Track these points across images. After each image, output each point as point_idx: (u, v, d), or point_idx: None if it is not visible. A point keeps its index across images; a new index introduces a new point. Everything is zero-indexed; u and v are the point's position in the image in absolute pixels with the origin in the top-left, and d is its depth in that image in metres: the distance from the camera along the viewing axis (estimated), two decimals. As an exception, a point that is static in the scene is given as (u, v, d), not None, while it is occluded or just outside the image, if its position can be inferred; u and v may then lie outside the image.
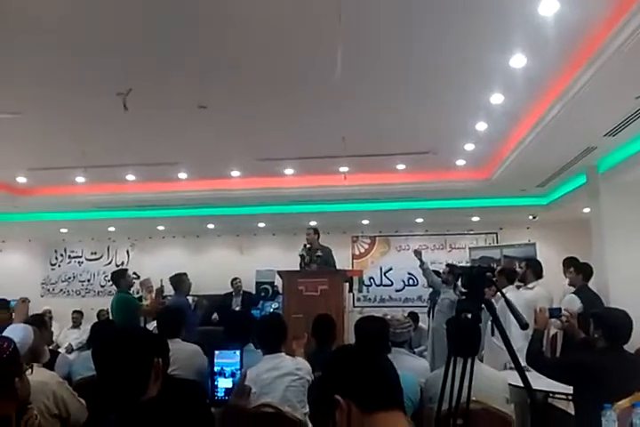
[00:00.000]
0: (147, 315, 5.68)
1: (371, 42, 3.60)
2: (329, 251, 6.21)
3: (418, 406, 2.74)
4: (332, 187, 7.03)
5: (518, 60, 3.70)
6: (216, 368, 1.37)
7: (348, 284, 6.29)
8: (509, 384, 2.90)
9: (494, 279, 2.91)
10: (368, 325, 2.99)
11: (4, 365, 1.59)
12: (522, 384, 1.70)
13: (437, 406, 1.98)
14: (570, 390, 3.02)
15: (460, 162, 6.38)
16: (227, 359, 1.40)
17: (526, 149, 5.30)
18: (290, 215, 8.24)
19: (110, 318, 5.94)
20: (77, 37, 3.47)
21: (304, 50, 3.71)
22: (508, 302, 1.82)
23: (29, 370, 1.84)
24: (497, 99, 4.39)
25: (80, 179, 6.50)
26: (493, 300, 3.13)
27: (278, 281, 7.09)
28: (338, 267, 6.30)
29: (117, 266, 9.57)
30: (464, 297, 1.82)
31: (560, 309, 3.70)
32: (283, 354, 2.89)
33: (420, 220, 9.00)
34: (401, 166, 6.63)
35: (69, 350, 7.44)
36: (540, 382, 3.07)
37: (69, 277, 10.16)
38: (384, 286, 9.40)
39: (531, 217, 8.60)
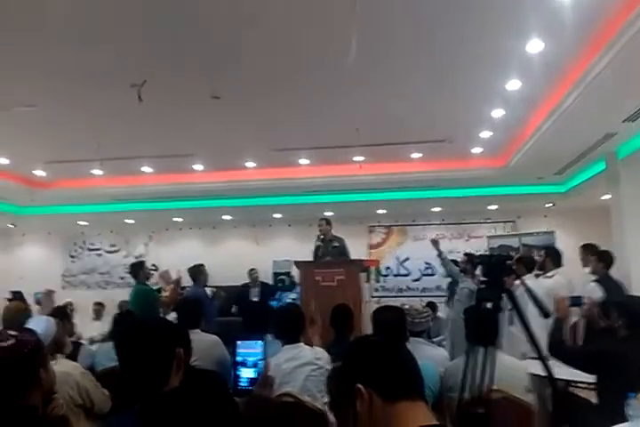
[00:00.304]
0: (165, 306, 5.74)
1: (385, 29, 3.55)
2: (343, 241, 6.19)
3: (438, 395, 2.74)
4: (347, 176, 7.01)
5: (535, 45, 3.64)
6: (238, 358, 1.37)
7: (364, 274, 6.27)
8: (530, 373, 2.89)
9: (514, 267, 2.88)
10: (385, 314, 2.98)
11: (29, 356, 1.61)
12: (542, 373, 1.68)
13: (459, 395, 1.98)
14: (591, 378, 2.99)
15: (477, 150, 6.31)
16: (249, 349, 1.40)
17: (544, 136, 5.23)
18: (305, 206, 8.24)
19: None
20: (91, 30, 3.47)
21: (318, 39, 3.68)
22: (529, 290, 1.80)
23: (54, 361, 1.86)
24: (513, 85, 4.32)
25: (97, 171, 6.55)
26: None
27: (295, 271, 7.11)
28: (354, 257, 6.28)
29: (136, 258, 9.66)
30: (484, 286, 1.81)
31: (581, 297, 3.67)
32: (302, 344, 2.90)
33: (436, 209, 8.94)
34: (416, 155, 6.58)
35: (91, 341, 7.54)
36: (560, 370, 3.04)
37: (89, 270, 10.29)
38: (401, 275, 9.39)
39: (549, 205, 8.50)
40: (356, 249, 8.20)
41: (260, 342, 1.32)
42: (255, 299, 8.27)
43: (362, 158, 6.18)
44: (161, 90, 4.32)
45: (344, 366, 1.27)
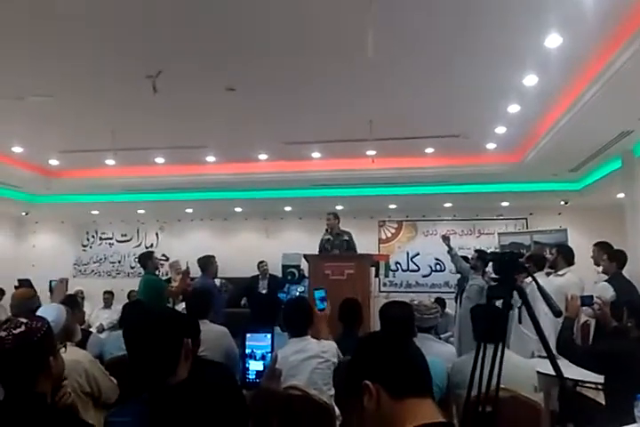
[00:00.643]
0: (173, 296, 5.77)
1: (402, 22, 3.51)
2: (351, 235, 6.22)
3: (445, 391, 2.73)
4: (359, 171, 6.99)
5: (554, 40, 3.59)
6: (246, 351, 1.37)
7: (374, 268, 6.27)
8: (538, 372, 2.87)
9: (527, 265, 2.85)
10: (393, 310, 2.97)
11: (39, 343, 1.63)
12: (550, 372, 1.67)
13: (467, 393, 1.97)
14: (599, 378, 2.97)
15: (491, 145, 6.25)
16: (257, 342, 1.40)
17: (560, 133, 5.17)
18: (316, 199, 8.23)
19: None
20: (107, 20, 3.47)
21: (334, 32, 3.65)
22: (540, 288, 1.78)
23: (63, 349, 1.87)
24: (530, 80, 4.27)
25: (110, 161, 6.59)
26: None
27: (304, 264, 7.12)
28: (364, 251, 6.28)
29: (147, 248, 9.73)
30: (495, 283, 1.79)
31: (592, 296, 3.63)
32: (309, 337, 2.91)
33: (448, 204, 8.89)
34: (430, 150, 6.54)
35: (100, 329, 7.62)
36: (569, 370, 3.02)
37: (100, 259, 10.38)
38: (411, 271, 9.36)
39: (562, 202, 8.42)
40: (366, 244, 8.21)
41: (269, 334, 1.32)
42: (263, 291, 8.30)
43: (374, 152, 6.15)
44: (176, 81, 4.33)
45: (352, 362, 1.27)
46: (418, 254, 9.36)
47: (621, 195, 6.22)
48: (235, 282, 8.87)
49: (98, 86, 4.56)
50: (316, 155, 6.81)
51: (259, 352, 1.37)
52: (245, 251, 9.30)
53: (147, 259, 5.67)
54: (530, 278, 3.51)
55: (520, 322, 4.42)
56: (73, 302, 3.64)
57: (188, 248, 8.34)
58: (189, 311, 3.62)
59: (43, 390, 1.63)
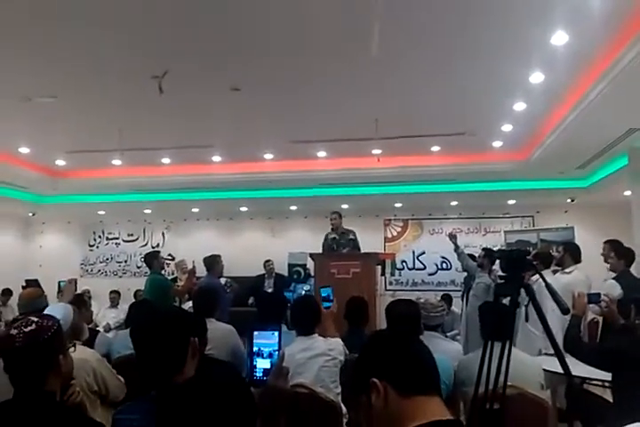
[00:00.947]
0: (179, 295, 5.79)
1: (407, 20, 3.51)
2: (355, 234, 6.24)
3: (452, 389, 2.73)
4: (364, 169, 6.98)
5: (560, 38, 3.57)
6: (254, 349, 1.38)
7: (380, 267, 6.27)
8: (544, 370, 2.86)
9: (535, 263, 2.85)
10: (399, 308, 2.97)
11: (49, 342, 1.64)
12: (557, 370, 1.67)
13: (474, 390, 1.96)
14: (606, 376, 2.96)
15: (497, 143, 6.23)
16: (264, 340, 1.41)
17: (566, 130, 5.15)
18: (322, 198, 8.23)
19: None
20: (112, 21, 3.48)
21: (339, 30, 3.64)
22: (548, 285, 1.77)
23: (72, 348, 1.89)
24: (537, 78, 4.25)
25: (117, 162, 6.61)
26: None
27: (310, 263, 7.13)
28: (370, 250, 6.29)
29: (153, 248, 9.76)
30: (502, 281, 1.79)
31: (599, 294, 3.61)
32: (316, 335, 2.91)
33: (454, 203, 8.88)
34: (436, 148, 6.53)
35: (107, 329, 7.66)
36: (576, 368, 3.01)
37: (107, 259, 10.42)
38: (416, 269, 9.35)
39: (569, 200, 8.38)
40: (372, 242, 8.22)
41: (276, 332, 1.32)
42: (269, 290, 8.31)
43: (380, 151, 6.15)
44: (181, 81, 4.33)
45: (360, 360, 1.27)
46: (424, 253, 9.34)
47: (628, 192, 6.19)
48: (241, 281, 8.89)
49: (103, 86, 4.57)
50: (321, 154, 6.81)
51: (266, 350, 1.38)
52: (251, 250, 9.31)
53: (152, 258, 5.69)
54: (536, 276, 3.50)
55: (527, 320, 4.41)
56: (80, 302, 3.66)
57: (194, 248, 8.35)
58: (196, 310, 3.63)
59: (52, 389, 1.65)
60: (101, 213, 9.76)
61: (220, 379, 1.09)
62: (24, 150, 6.47)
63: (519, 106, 4.93)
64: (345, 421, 2.72)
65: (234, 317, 4.86)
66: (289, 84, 4.56)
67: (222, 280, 6.60)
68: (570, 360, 2.86)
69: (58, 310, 2.59)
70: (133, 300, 7.53)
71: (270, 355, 1.37)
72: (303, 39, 3.79)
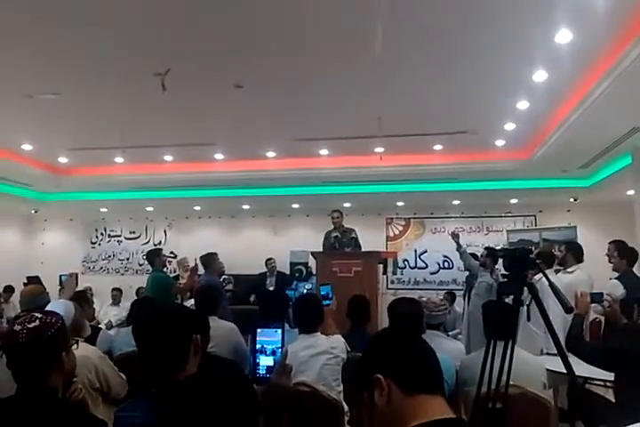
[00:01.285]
0: (181, 293, 5.79)
1: (410, 18, 3.50)
2: (356, 232, 6.25)
3: (454, 388, 2.73)
4: (367, 168, 6.97)
5: (564, 36, 3.56)
6: (257, 346, 1.38)
7: (382, 266, 6.27)
8: (547, 369, 2.86)
9: (538, 261, 2.84)
10: (402, 306, 2.97)
11: (52, 338, 1.64)
12: (559, 369, 1.66)
13: (477, 389, 1.96)
14: (608, 376, 2.96)
15: (500, 142, 6.22)
16: (267, 337, 1.40)
17: (569, 129, 5.13)
18: (324, 196, 8.22)
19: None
20: (115, 18, 3.48)
21: (342, 29, 3.63)
22: (551, 284, 1.77)
23: (75, 345, 1.89)
24: (540, 76, 4.24)
25: (119, 159, 6.61)
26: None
27: (312, 262, 7.13)
28: (372, 249, 6.29)
29: (155, 245, 9.77)
30: (505, 280, 1.78)
31: (602, 293, 3.61)
32: (318, 333, 2.91)
33: (456, 202, 8.87)
34: (438, 147, 6.52)
35: (109, 326, 7.67)
36: (577, 367, 3.01)
37: (109, 256, 10.43)
38: (418, 268, 9.34)
39: (572, 199, 8.36)
40: (374, 241, 8.21)
41: (279, 330, 1.32)
42: (271, 288, 8.32)
43: (382, 150, 6.14)
44: (183, 79, 4.33)
45: (365, 356, 1.27)
46: (426, 252, 9.34)
47: (631, 192, 6.17)
48: (242, 279, 8.91)
49: (106, 84, 4.56)
50: (323, 152, 6.80)
51: (269, 348, 1.37)
52: (253, 248, 9.32)
53: (154, 256, 5.70)
54: (539, 275, 3.50)
55: (529, 319, 4.40)
56: (83, 299, 3.67)
57: (196, 245, 8.35)
58: (198, 308, 3.63)
59: (54, 386, 1.65)
60: (104, 210, 9.77)
61: (223, 376, 1.09)
62: (27, 147, 6.48)
63: (522, 104, 4.92)
64: (347, 419, 2.72)
65: (236, 315, 4.86)
66: (291, 83, 4.56)
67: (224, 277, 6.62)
68: (571, 360, 2.86)
69: (59, 306, 2.59)
70: (135, 297, 7.53)
71: (273, 352, 1.37)
72: (307, 38, 3.78)
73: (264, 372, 1.35)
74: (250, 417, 1.07)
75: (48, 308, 2.50)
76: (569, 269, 4.80)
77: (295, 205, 9.36)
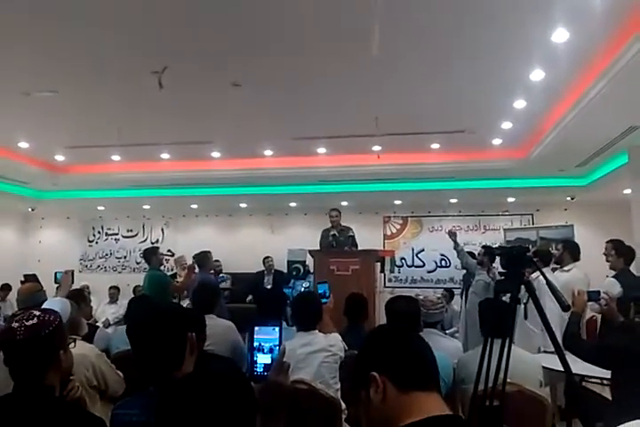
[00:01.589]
0: (178, 291, 5.78)
1: (406, 19, 3.49)
2: (353, 231, 6.26)
3: (451, 386, 2.74)
4: (364, 166, 6.98)
5: (560, 35, 3.56)
6: (254, 344, 1.38)
7: (379, 264, 6.28)
8: (543, 367, 2.87)
9: (535, 260, 2.84)
10: (399, 304, 2.98)
11: (50, 337, 1.63)
12: (556, 367, 1.67)
13: (474, 387, 1.97)
14: (605, 374, 2.97)
15: (497, 141, 6.23)
16: (265, 335, 1.41)
17: (566, 128, 5.14)
18: (321, 195, 8.23)
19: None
20: (112, 18, 3.47)
21: (339, 27, 3.63)
22: (549, 282, 1.77)
23: (72, 343, 1.89)
24: (537, 75, 4.24)
25: (116, 157, 6.60)
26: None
27: (309, 260, 7.13)
28: (369, 247, 6.30)
29: (152, 243, 9.76)
30: (503, 278, 1.79)
31: (599, 292, 3.62)
32: (316, 331, 2.91)
33: (454, 200, 8.88)
34: (435, 146, 6.52)
35: (106, 324, 7.66)
36: (574, 365, 3.02)
37: (106, 254, 10.42)
38: (416, 266, 9.36)
39: (569, 198, 8.38)
40: (372, 239, 8.23)
41: (277, 327, 1.33)
42: (268, 287, 8.32)
43: (380, 148, 6.14)
44: (181, 77, 4.32)
45: (360, 354, 1.27)
46: (423, 250, 9.35)
47: (628, 190, 6.19)
48: (240, 277, 8.92)
49: (103, 82, 4.55)
50: (321, 150, 6.80)
51: (267, 345, 1.38)
52: (250, 247, 9.32)
53: (151, 254, 5.69)
54: (536, 274, 3.51)
55: (526, 318, 4.41)
56: (80, 297, 3.66)
57: (194, 244, 8.33)
58: (195, 306, 3.63)
59: (51, 384, 1.65)
60: (101, 208, 9.75)
61: (220, 374, 1.09)
62: (24, 145, 6.46)
63: (519, 103, 4.92)
64: (344, 417, 2.73)
65: (233, 313, 4.86)
66: (289, 82, 4.55)
67: (220, 275, 6.61)
68: (568, 358, 2.87)
69: (55, 304, 2.59)
70: (132, 295, 7.53)
71: (271, 350, 1.37)
72: (304, 37, 3.77)
73: (262, 370, 1.35)
74: (247, 415, 1.07)
75: (45, 306, 2.49)
76: (565, 268, 4.82)
77: (293, 204, 9.36)
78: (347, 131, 5.90)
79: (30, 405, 1.55)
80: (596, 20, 3.36)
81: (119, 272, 10.24)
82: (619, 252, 4.61)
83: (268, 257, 8.73)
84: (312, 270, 6.89)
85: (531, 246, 6.95)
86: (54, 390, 1.66)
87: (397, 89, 4.71)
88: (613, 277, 4.50)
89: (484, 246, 6.33)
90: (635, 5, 3.20)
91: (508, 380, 2.05)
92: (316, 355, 2.75)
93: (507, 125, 5.62)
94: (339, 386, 2.80)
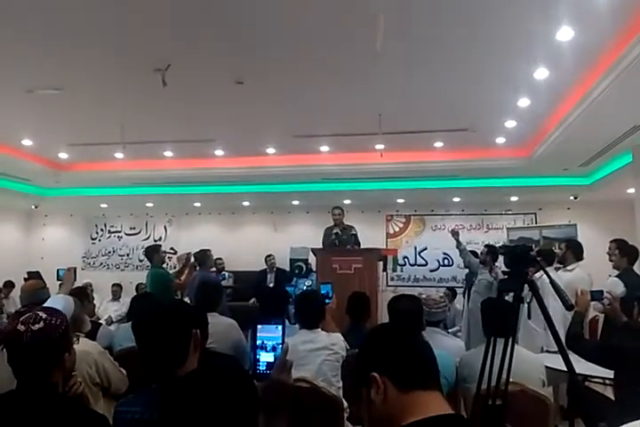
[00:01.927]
0: (180, 289, 5.79)
1: (411, 14, 3.48)
2: (355, 229, 6.26)
3: (453, 385, 2.73)
4: (367, 165, 6.97)
5: (565, 33, 3.54)
6: (257, 342, 1.38)
7: (382, 263, 6.27)
8: (546, 367, 2.86)
9: (539, 259, 2.84)
10: (402, 303, 2.97)
11: (57, 341, 1.63)
12: (559, 367, 1.66)
13: (477, 387, 1.96)
14: (608, 373, 2.96)
15: (501, 139, 6.22)
16: (268, 333, 1.40)
17: (570, 127, 5.12)
18: (324, 193, 8.22)
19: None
20: (116, 14, 3.46)
21: (342, 25, 3.62)
22: (552, 281, 1.77)
23: (75, 340, 1.89)
24: (541, 74, 4.23)
25: (119, 155, 6.60)
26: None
27: (312, 258, 7.13)
28: (372, 246, 6.30)
29: (155, 241, 9.77)
30: (506, 277, 1.78)
31: (602, 291, 3.61)
32: (319, 329, 2.91)
33: (456, 199, 8.86)
34: (439, 144, 6.51)
35: (109, 322, 7.68)
36: (577, 365, 3.01)
37: (109, 252, 10.44)
38: (418, 265, 9.35)
39: (572, 197, 8.35)
40: (374, 238, 8.22)
41: (280, 326, 1.32)
42: (271, 285, 8.33)
43: (383, 147, 6.13)
44: (184, 75, 4.32)
45: (360, 354, 1.27)
46: (426, 249, 9.34)
47: (632, 190, 6.17)
48: (242, 276, 8.93)
49: (106, 80, 4.55)
50: (324, 148, 6.79)
51: (269, 344, 1.37)
52: (253, 245, 9.33)
53: (153, 252, 5.69)
54: (539, 274, 3.50)
55: (529, 317, 4.41)
56: (83, 294, 3.67)
57: (196, 242, 8.33)
58: (198, 303, 3.63)
59: (55, 381, 1.65)
60: (104, 206, 9.77)
61: (223, 372, 1.09)
62: (27, 143, 6.47)
63: (523, 102, 4.91)
64: (346, 415, 2.73)
65: (236, 312, 4.86)
66: (291, 80, 4.54)
67: (222, 273, 6.61)
68: (571, 357, 2.86)
69: (58, 301, 2.58)
70: (135, 293, 7.55)
71: (274, 348, 1.37)
72: (307, 34, 3.76)
73: (264, 368, 1.35)
74: (250, 413, 1.07)
75: (48, 303, 2.49)
76: (569, 267, 4.80)
77: (295, 202, 9.36)
78: (349, 129, 5.89)
79: (34, 402, 1.55)
80: (600, 19, 3.35)
81: (122, 270, 10.26)
82: (622, 251, 4.59)
83: (270, 255, 8.73)
84: (314, 269, 6.90)
85: (534, 246, 6.94)
86: (57, 387, 1.66)
87: (400, 87, 4.70)
88: (617, 276, 4.49)
89: (486, 245, 6.32)
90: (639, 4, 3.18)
91: (511, 379, 2.05)
92: (318, 353, 2.75)
93: (510, 124, 5.61)
94: (341, 384, 2.80)
